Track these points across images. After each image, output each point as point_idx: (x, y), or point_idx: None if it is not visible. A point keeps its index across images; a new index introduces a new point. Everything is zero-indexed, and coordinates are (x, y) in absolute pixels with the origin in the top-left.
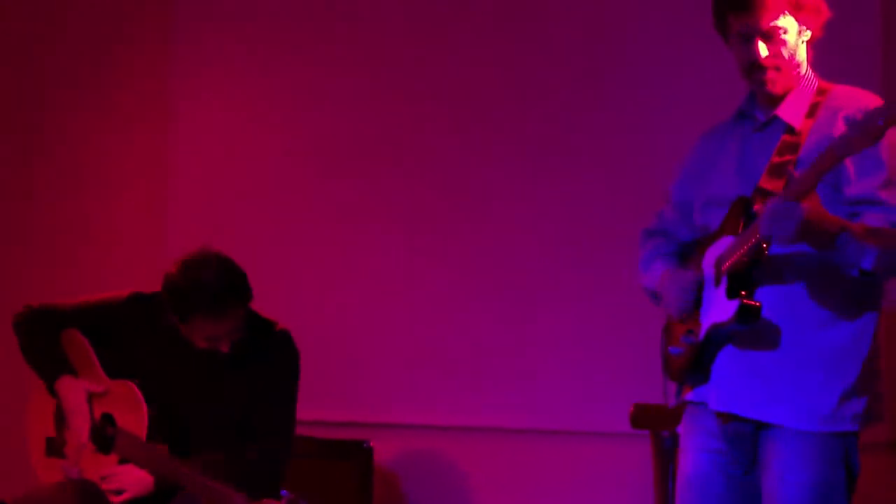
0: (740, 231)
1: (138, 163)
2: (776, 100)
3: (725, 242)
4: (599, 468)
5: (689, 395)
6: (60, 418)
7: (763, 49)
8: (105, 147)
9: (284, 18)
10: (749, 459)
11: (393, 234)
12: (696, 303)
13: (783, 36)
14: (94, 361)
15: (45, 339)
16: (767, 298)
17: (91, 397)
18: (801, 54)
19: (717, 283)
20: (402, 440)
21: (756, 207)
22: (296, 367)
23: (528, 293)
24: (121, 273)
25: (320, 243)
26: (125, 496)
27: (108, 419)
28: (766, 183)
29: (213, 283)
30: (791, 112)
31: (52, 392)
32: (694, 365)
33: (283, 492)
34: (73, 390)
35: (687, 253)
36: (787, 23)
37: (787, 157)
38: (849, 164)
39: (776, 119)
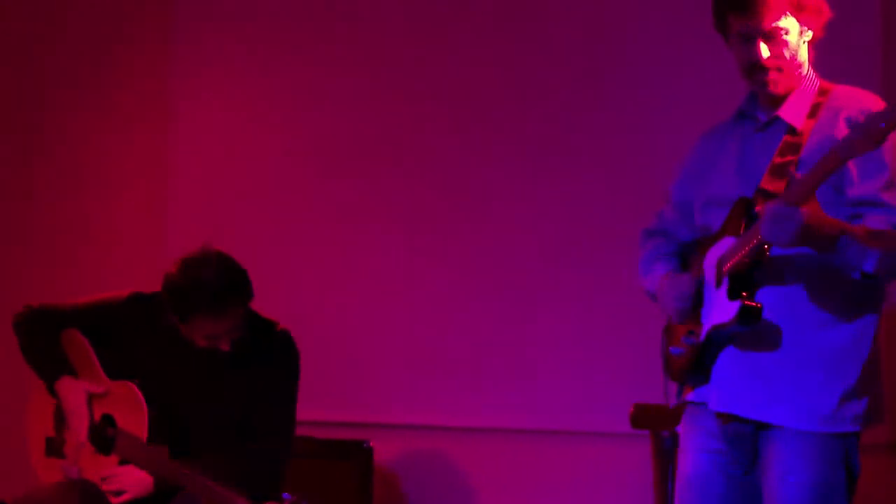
0: (742, 232)
1: (138, 163)
2: (777, 100)
3: (727, 243)
4: (599, 468)
5: (689, 395)
6: (60, 418)
7: (765, 50)
8: (105, 147)
9: (284, 18)
10: (749, 460)
11: (393, 234)
12: (694, 305)
13: (785, 37)
14: (95, 362)
15: (45, 339)
16: (768, 299)
17: (91, 398)
18: (803, 55)
19: (719, 284)
20: (402, 440)
21: (758, 208)
22: (296, 367)
23: (528, 293)
24: (121, 273)
25: (320, 243)
26: (126, 497)
27: (108, 420)
28: (768, 184)
29: (214, 280)
30: (792, 113)
31: (53, 392)
32: (695, 365)
33: (286, 494)
34: (72, 391)
35: (687, 253)
36: (789, 23)
37: (789, 158)
38: (851, 165)
39: (777, 119)
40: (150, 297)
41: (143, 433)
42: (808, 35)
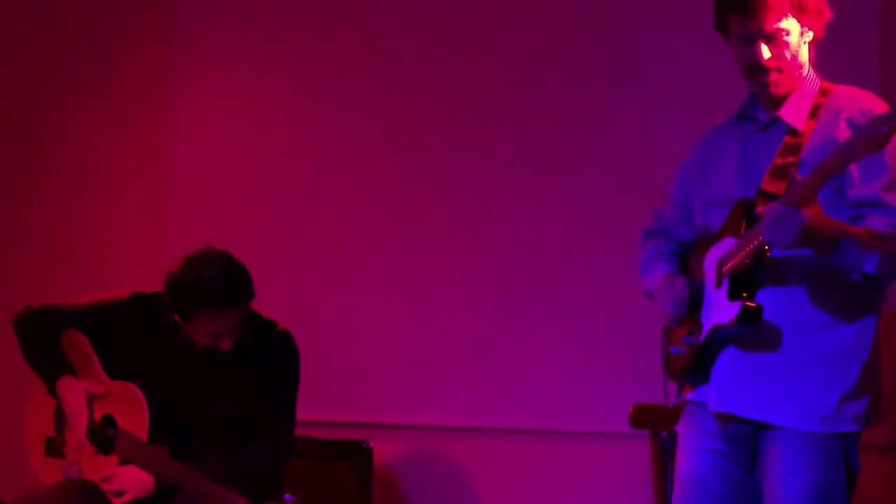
0: (742, 233)
1: (138, 163)
2: (778, 101)
3: (727, 244)
4: (599, 468)
5: (689, 394)
6: (60, 418)
7: (765, 51)
8: (105, 147)
9: (284, 18)
10: (749, 459)
11: (393, 234)
12: (690, 308)
13: (786, 38)
14: (95, 362)
15: (45, 339)
16: (769, 300)
17: (92, 398)
18: (804, 55)
19: (719, 284)
20: (402, 440)
21: (758, 209)
22: (296, 367)
23: (528, 293)
24: (121, 273)
25: (320, 243)
26: (127, 497)
27: (108, 420)
28: (769, 185)
29: (217, 278)
30: (793, 113)
31: (53, 393)
32: (695, 365)
33: (287, 496)
34: (73, 391)
35: (687, 252)
36: (790, 25)
37: (790, 159)
38: (852, 166)
39: (778, 120)
40: (150, 298)
41: (143, 433)
42: (809, 36)
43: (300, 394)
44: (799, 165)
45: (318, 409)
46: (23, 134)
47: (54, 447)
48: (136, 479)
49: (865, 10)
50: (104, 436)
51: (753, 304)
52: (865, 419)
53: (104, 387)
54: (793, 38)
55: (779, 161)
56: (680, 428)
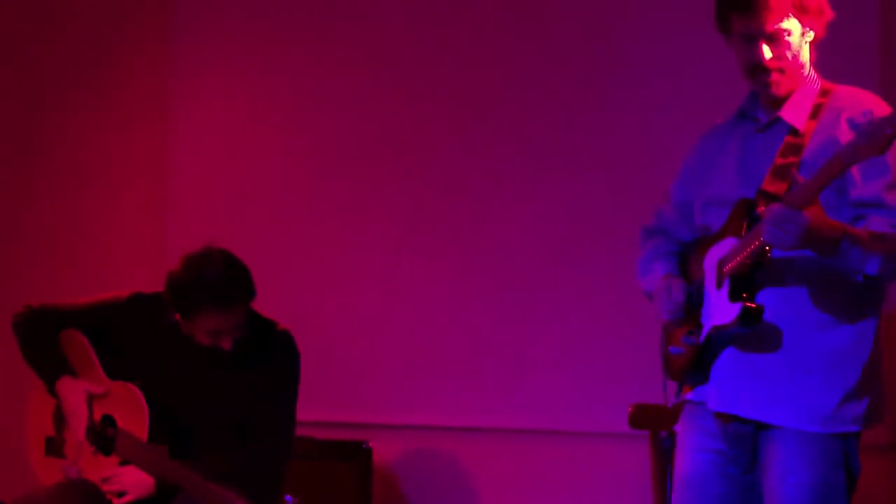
0: (743, 233)
1: (138, 163)
2: (779, 101)
3: (728, 244)
4: (598, 468)
5: (688, 394)
6: (60, 418)
7: (767, 51)
8: (105, 147)
9: (284, 18)
10: (749, 459)
11: (393, 234)
12: (687, 311)
13: (787, 38)
14: (95, 362)
15: (44, 339)
16: (769, 301)
17: (92, 398)
18: (805, 56)
19: (719, 285)
20: (402, 441)
21: (759, 210)
22: (296, 367)
23: (528, 293)
24: (121, 273)
25: (320, 243)
26: (128, 498)
27: (108, 420)
28: (770, 185)
29: (218, 276)
30: (794, 113)
31: (53, 392)
32: (694, 365)
33: (288, 497)
34: (72, 391)
35: (687, 252)
36: (791, 25)
37: (791, 159)
38: (854, 167)
39: (779, 120)
40: (150, 298)
41: (143, 434)
42: (810, 36)
43: (300, 394)
44: (800, 166)
45: (318, 409)
46: (23, 134)
47: (54, 447)
48: (136, 480)
49: (865, 10)
50: (104, 436)
51: (754, 305)
52: (866, 420)
53: (104, 387)
54: (794, 39)
55: (780, 161)
56: (679, 427)
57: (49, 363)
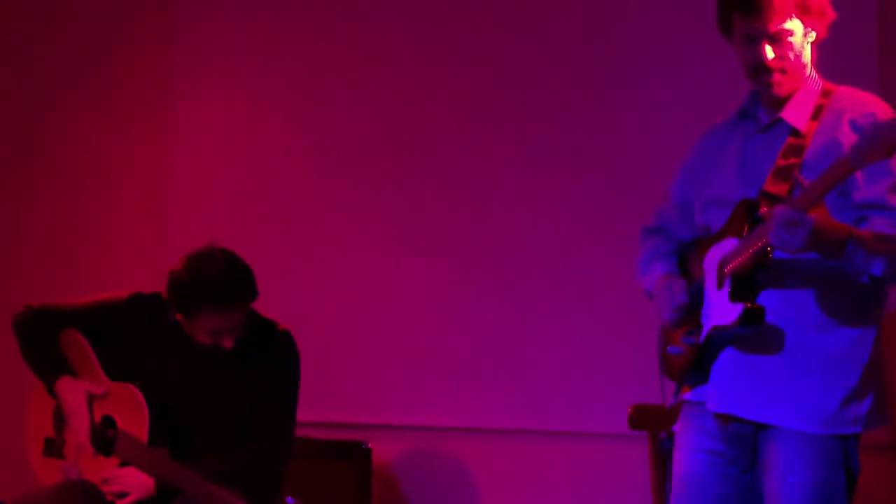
0: (745, 234)
1: (138, 163)
2: (781, 101)
3: (729, 244)
4: (598, 469)
5: (687, 394)
6: (60, 418)
7: (769, 52)
8: (105, 147)
9: (284, 19)
10: (749, 460)
11: (393, 234)
12: (690, 308)
13: (790, 39)
14: (94, 362)
15: (44, 339)
16: (770, 302)
17: (92, 399)
18: (807, 56)
19: (720, 285)
20: (401, 441)
21: (762, 211)
22: (296, 367)
23: (528, 293)
24: (121, 273)
25: (320, 243)
26: (130, 499)
27: (108, 421)
28: (771, 186)
29: (220, 274)
30: (795, 114)
31: (52, 393)
32: (694, 365)
33: (289, 499)
34: (72, 391)
35: (686, 252)
36: (794, 25)
37: (792, 161)
38: None
39: (780, 121)
40: (150, 298)
41: (143, 435)
42: (812, 36)
43: (300, 394)
44: (802, 167)
45: (318, 409)
46: (23, 134)
47: (54, 448)
48: (136, 481)
49: (864, 11)
50: (104, 437)
51: (756, 306)
52: (867, 421)
53: (104, 387)
54: (797, 39)
55: (781, 162)
56: (678, 427)
57: (49, 363)
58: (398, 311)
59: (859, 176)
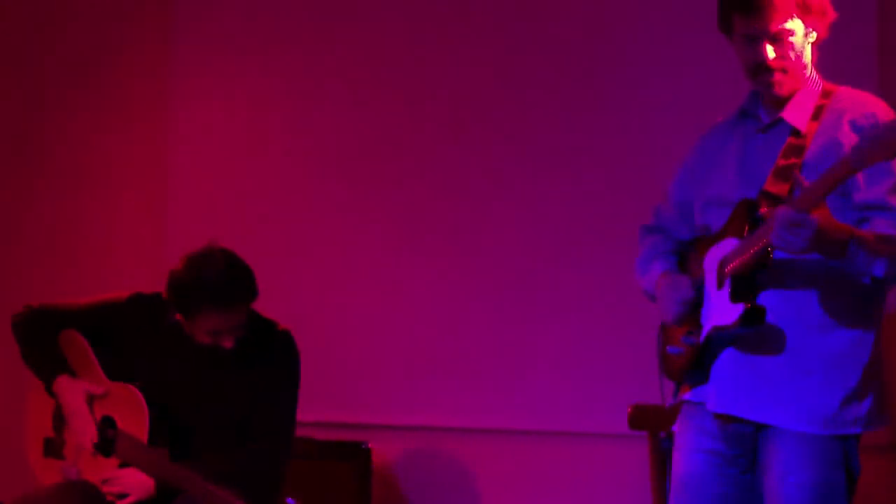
0: (745, 234)
1: (138, 163)
2: (781, 101)
3: (729, 244)
4: (598, 469)
5: (686, 394)
6: (59, 419)
7: (770, 51)
8: (105, 147)
9: (284, 18)
10: (749, 460)
11: (393, 234)
12: (693, 307)
13: (790, 39)
14: (94, 363)
15: (44, 339)
16: (771, 302)
17: (92, 399)
18: (807, 56)
19: (720, 285)
20: (401, 441)
21: (762, 211)
22: (296, 367)
23: (528, 293)
24: (121, 273)
25: (320, 243)
26: (130, 500)
27: (108, 422)
28: (772, 186)
29: (220, 275)
30: (796, 114)
31: (50, 392)
32: (694, 366)
33: (290, 500)
34: (71, 390)
35: (685, 251)
36: (795, 25)
37: (793, 161)
38: None
39: (781, 121)
40: (150, 298)
41: (143, 435)
42: (813, 36)
43: (300, 394)
44: (802, 167)
45: (317, 409)
46: (23, 134)
47: (53, 448)
48: (137, 481)
49: (864, 11)
50: (104, 437)
51: (757, 306)
52: (867, 422)
53: (104, 388)
54: (797, 39)
55: (782, 162)
56: (677, 428)
57: (48, 363)
58: (398, 311)
59: (860, 177)
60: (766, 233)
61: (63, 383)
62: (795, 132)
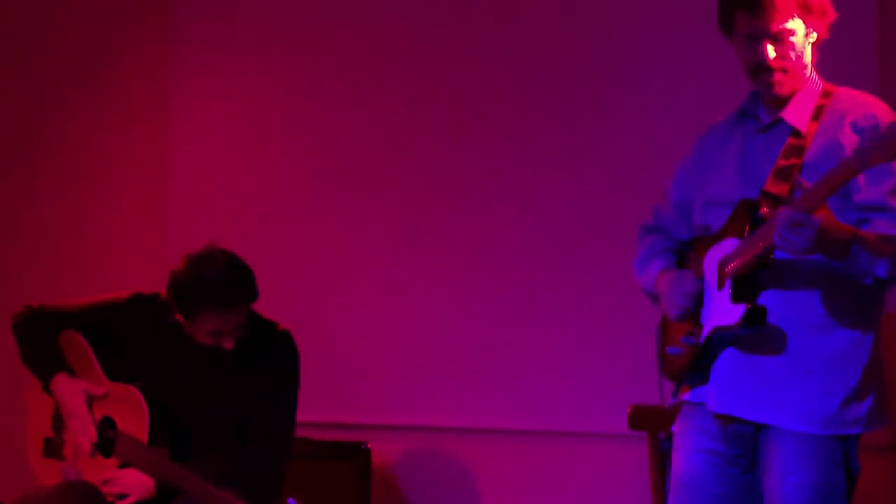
0: (746, 234)
1: (138, 163)
2: (781, 102)
3: (729, 245)
4: (597, 469)
5: (686, 395)
6: (59, 419)
7: (771, 51)
8: (105, 147)
9: (284, 19)
10: (749, 460)
11: (393, 234)
12: (696, 305)
13: (791, 39)
14: (94, 363)
15: (43, 339)
16: (771, 302)
17: (91, 399)
18: (808, 56)
19: (721, 285)
20: (401, 441)
21: (763, 211)
22: (296, 368)
23: (528, 293)
24: (121, 273)
25: (320, 243)
26: (129, 500)
27: (108, 422)
28: (772, 186)
29: (220, 276)
30: (796, 115)
31: (48, 391)
32: (693, 366)
33: (291, 501)
34: (69, 390)
35: (684, 251)
36: (796, 25)
37: (793, 161)
38: None
39: (781, 121)
40: (150, 298)
41: (143, 435)
42: (814, 37)
43: (300, 394)
44: (802, 168)
45: (317, 409)
46: (23, 134)
47: (52, 448)
48: (136, 482)
49: (864, 11)
50: (104, 438)
51: (758, 306)
52: (867, 422)
53: (103, 388)
54: (798, 39)
55: (782, 163)
56: (676, 428)
57: (46, 362)
58: (398, 311)
59: (860, 177)
60: (768, 233)
61: (61, 382)
62: (795, 132)
